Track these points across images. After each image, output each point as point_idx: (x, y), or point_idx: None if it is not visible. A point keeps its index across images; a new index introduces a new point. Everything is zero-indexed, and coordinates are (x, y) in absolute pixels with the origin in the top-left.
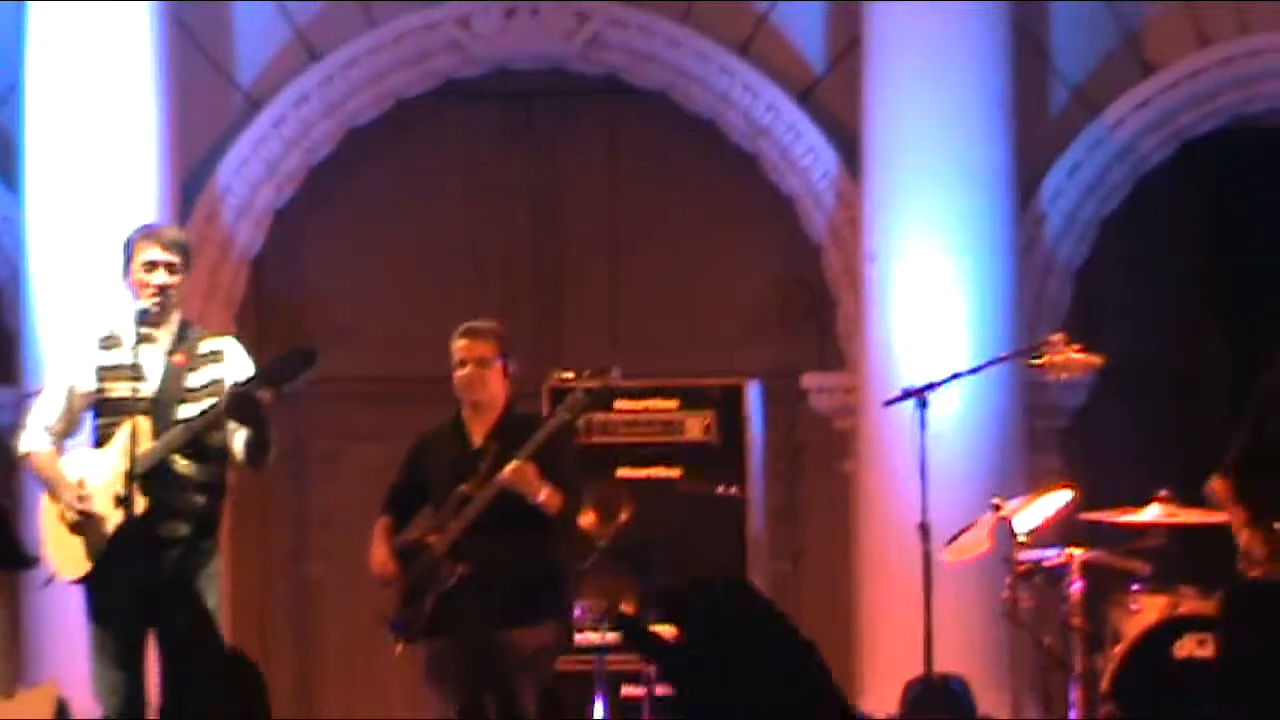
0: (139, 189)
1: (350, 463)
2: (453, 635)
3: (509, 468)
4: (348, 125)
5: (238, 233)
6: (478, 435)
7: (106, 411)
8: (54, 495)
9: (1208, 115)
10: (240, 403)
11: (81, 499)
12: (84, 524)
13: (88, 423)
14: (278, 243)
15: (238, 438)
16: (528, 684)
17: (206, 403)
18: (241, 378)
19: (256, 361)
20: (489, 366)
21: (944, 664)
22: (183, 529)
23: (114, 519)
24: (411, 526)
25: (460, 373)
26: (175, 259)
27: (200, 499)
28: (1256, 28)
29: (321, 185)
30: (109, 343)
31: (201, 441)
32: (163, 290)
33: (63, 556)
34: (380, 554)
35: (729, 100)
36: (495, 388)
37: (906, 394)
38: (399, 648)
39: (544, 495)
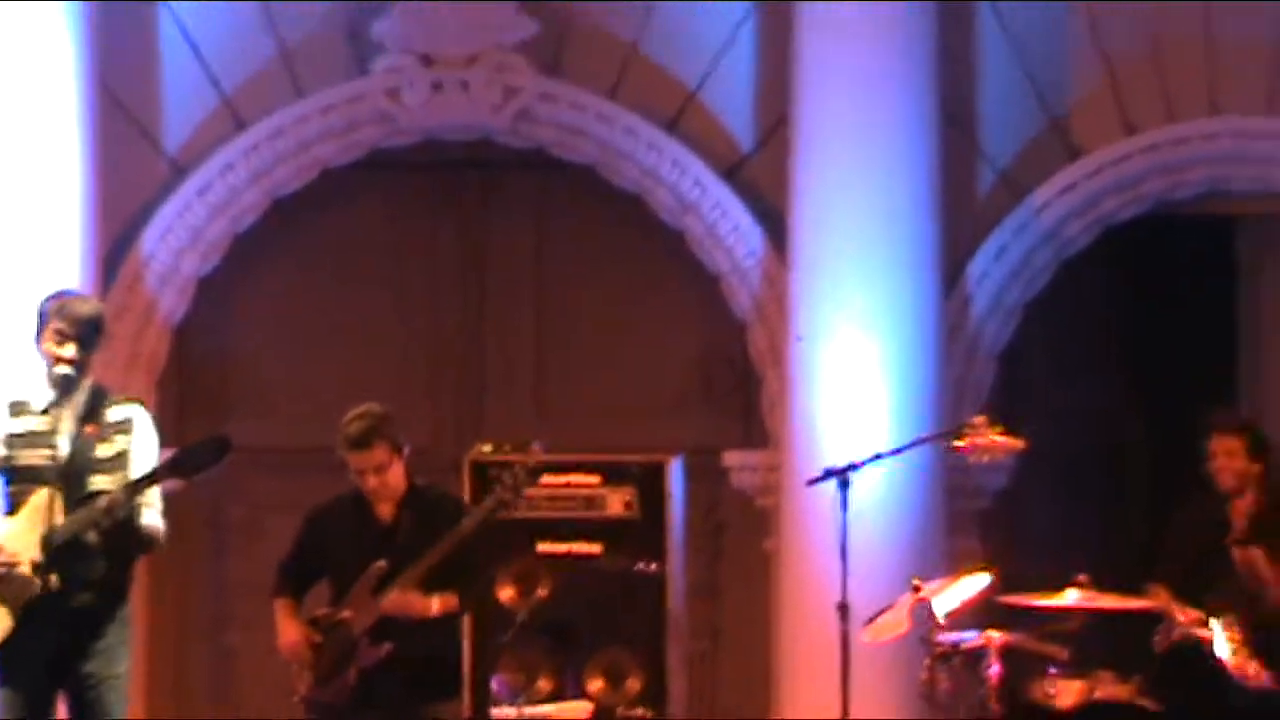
0: (62, 254)
1: (270, 532)
2: (376, 712)
3: (391, 597)
4: (274, 194)
5: (161, 299)
6: (385, 512)
7: (17, 479)
8: None
9: (1132, 201)
10: (114, 516)
11: (6, 561)
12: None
13: None
14: (201, 311)
15: (143, 513)
16: None
17: (114, 475)
18: (143, 450)
19: (170, 440)
20: (388, 469)
21: None
22: (89, 598)
23: (27, 590)
24: (317, 603)
25: (363, 484)
26: (86, 334)
27: (106, 568)
28: (1183, 115)
29: (247, 254)
30: (18, 409)
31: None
32: (71, 362)
33: None
34: (291, 634)
35: (656, 176)
36: (396, 483)
37: (828, 474)
38: None
39: (436, 609)
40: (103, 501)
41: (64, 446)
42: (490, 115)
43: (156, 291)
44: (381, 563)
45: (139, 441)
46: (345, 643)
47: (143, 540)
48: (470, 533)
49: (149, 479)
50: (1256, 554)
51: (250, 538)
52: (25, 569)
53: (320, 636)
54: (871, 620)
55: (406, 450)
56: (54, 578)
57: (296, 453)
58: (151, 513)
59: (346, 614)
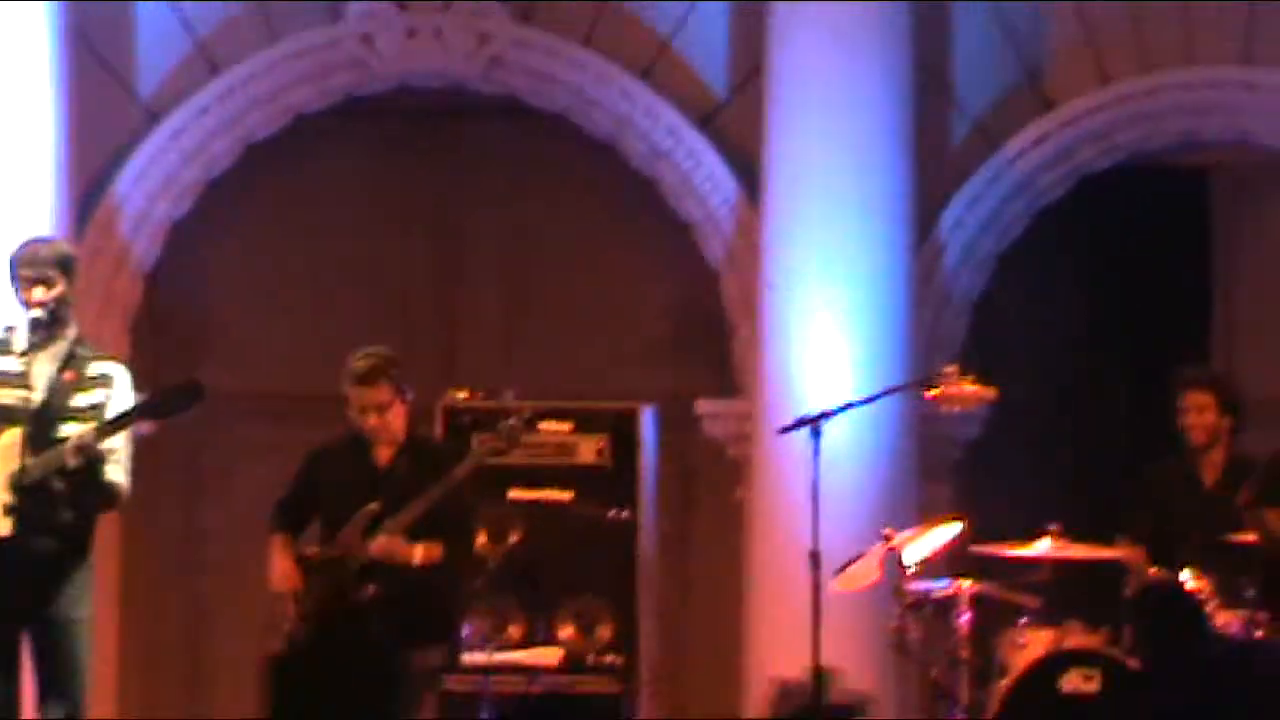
0: (35, 198)
1: (242, 478)
2: (360, 652)
3: (378, 540)
4: (247, 140)
5: (134, 244)
6: (382, 456)
7: None
8: None
9: (1106, 151)
10: (83, 455)
11: None
12: None
13: None
14: (174, 256)
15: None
16: (422, 703)
17: (89, 424)
18: (120, 406)
19: (143, 385)
20: (389, 409)
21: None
22: (52, 544)
23: None
24: (308, 542)
25: (363, 421)
26: (50, 273)
27: (71, 516)
28: (1157, 66)
29: (220, 199)
30: None
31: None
32: (43, 304)
33: None
34: (284, 567)
35: (629, 124)
36: (398, 426)
37: (800, 422)
38: None
39: (419, 558)
40: (73, 441)
41: (40, 390)
42: (464, 62)
43: (130, 236)
44: (374, 505)
45: (117, 398)
46: (333, 582)
47: (106, 494)
48: (462, 479)
49: (121, 420)
50: (1270, 516)
51: (223, 483)
52: None
53: (309, 575)
54: (843, 569)
55: (410, 397)
56: (14, 522)
57: (270, 398)
58: (117, 469)
59: (335, 553)
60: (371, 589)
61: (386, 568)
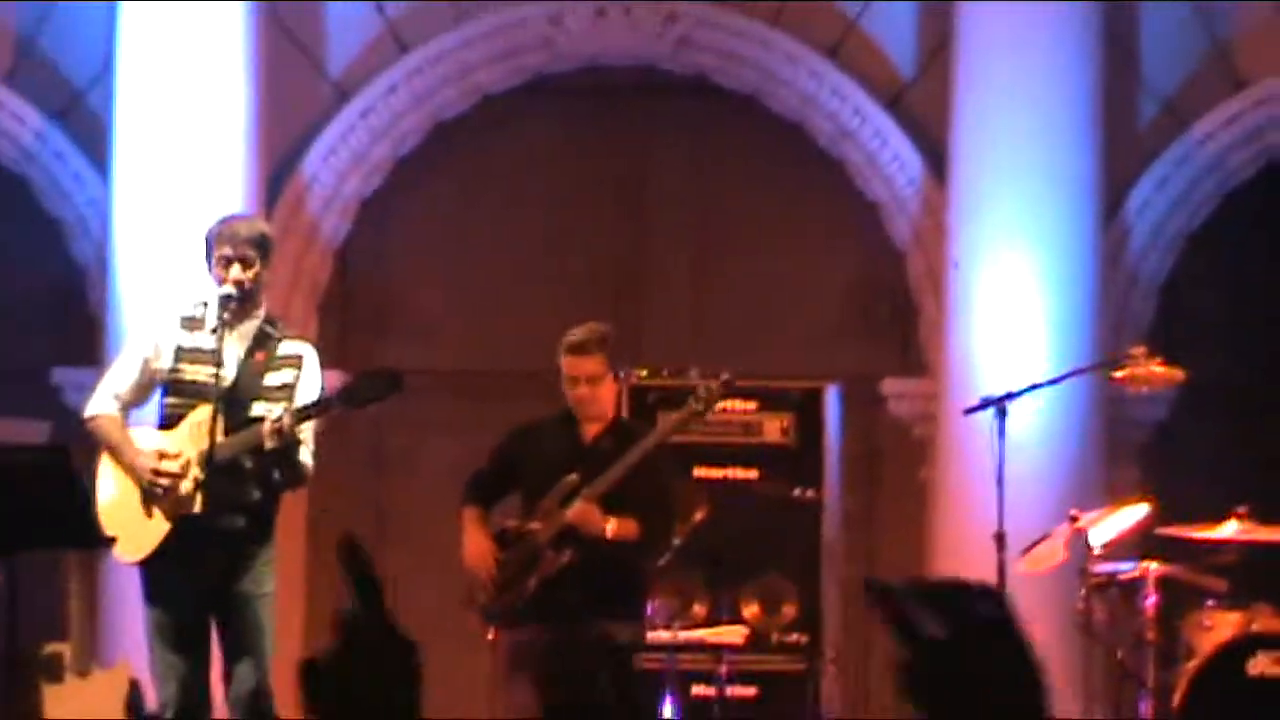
0: (226, 176)
1: (429, 456)
2: (552, 621)
3: (576, 507)
4: (435, 118)
5: (323, 222)
6: (589, 433)
7: (179, 393)
8: (119, 460)
9: None
10: (280, 438)
11: (161, 472)
12: (154, 499)
13: (154, 400)
14: (363, 233)
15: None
16: (615, 678)
17: (278, 405)
18: (309, 389)
19: (332, 362)
20: (600, 383)
21: None
22: (240, 522)
23: (184, 505)
24: (504, 518)
25: (573, 392)
26: (250, 253)
27: (258, 495)
28: None
29: (408, 177)
30: (191, 324)
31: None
32: (240, 284)
33: (120, 534)
34: (479, 541)
35: (816, 104)
36: (606, 402)
37: (986, 403)
38: (491, 634)
39: (611, 532)
40: (270, 424)
41: (231, 367)
42: (652, 42)
43: (319, 214)
44: (573, 476)
45: (306, 378)
46: (529, 552)
47: (296, 475)
48: (659, 443)
49: (317, 407)
50: None
51: (409, 460)
52: (189, 485)
53: (505, 548)
54: (1028, 550)
55: (622, 378)
56: (205, 499)
57: (456, 375)
58: (305, 450)
59: (534, 525)
60: (567, 555)
61: (582, 537)
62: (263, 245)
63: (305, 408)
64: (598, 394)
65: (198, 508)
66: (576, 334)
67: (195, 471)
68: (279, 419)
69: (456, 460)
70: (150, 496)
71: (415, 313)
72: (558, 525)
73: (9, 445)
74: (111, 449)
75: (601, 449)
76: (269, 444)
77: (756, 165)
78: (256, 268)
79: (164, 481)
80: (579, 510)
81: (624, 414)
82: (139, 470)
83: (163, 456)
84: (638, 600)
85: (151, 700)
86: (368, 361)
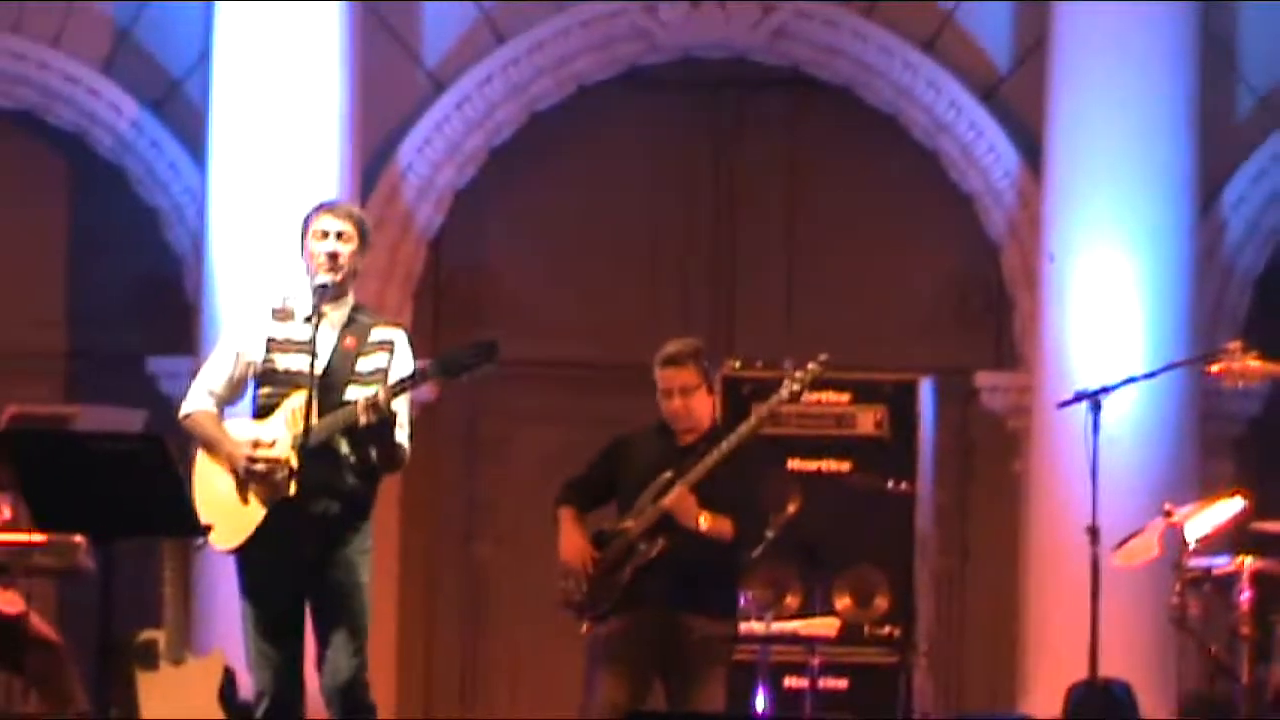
0: (321, 165)
1: (521, 446)
2: (643, 611)
3: (672, 494)
4: (530, 109)
5: (418, 212)
6: (686, 439)
7: (272, 383)
8: (215, 454)
9: None
10: (376, 413)
11: (255, 459)
12: (246, 490)
13: (249, 393)
14: (457, 223)
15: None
16: (714, 672)
17: (372, 388)
18: (401, 373)
19: (425, 353)
20: (694, 394)
21: (1108, 668)
22: (336, 508)
23: (280, 490)
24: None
25: (667, 405)
26: (346, 227)
27: (354, 480)
28: None
29: (503, 167)
30: (281, 314)
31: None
32: (333, 259)
33: (216, 524)
34: (576, 540)
35: (911, 96)
36: (702, 414)
37: (1080, 396)
38: (585, 627)
39: (704, 525)
40: (364, 399)
41: (324, 354)
42: (747, 33)
43: (413, 204)
44: (669, 473)
45: (398, 362)
46: (623, 547)
47: (394, 456)
48: (756, 429)
49: (413, 379)
50: None
51: (502, 451)
52: (283, 473)
53: (601, 548)
54: (1122, 544)
55: (716, 386)
56: (299, 483)
57: (550, 365)
58: (401, 432)
59: (628, 523)
60: (660, 544)
61: (676, 528)
62: (364, 227)
63: (400, 380)
64: (692, 406)
65: (291, 492)
66: (670, 347)
67: (290, 456)
68: (374, 394)
69: (548, 452)
70: (249, 481)
71: (509, 303)
72: (652, 517)
73: (105, 433)
74: (207, 444)
75: (697, 450)
76: (363, 419)
77: (850, 158)
78: (354, 245)
79: (260, 467)
80: (675, 496)
81: (719, 423)
82: (235, 460)
83: (258, 445)
84: (729, 593)
85: (246, 689)
86: None
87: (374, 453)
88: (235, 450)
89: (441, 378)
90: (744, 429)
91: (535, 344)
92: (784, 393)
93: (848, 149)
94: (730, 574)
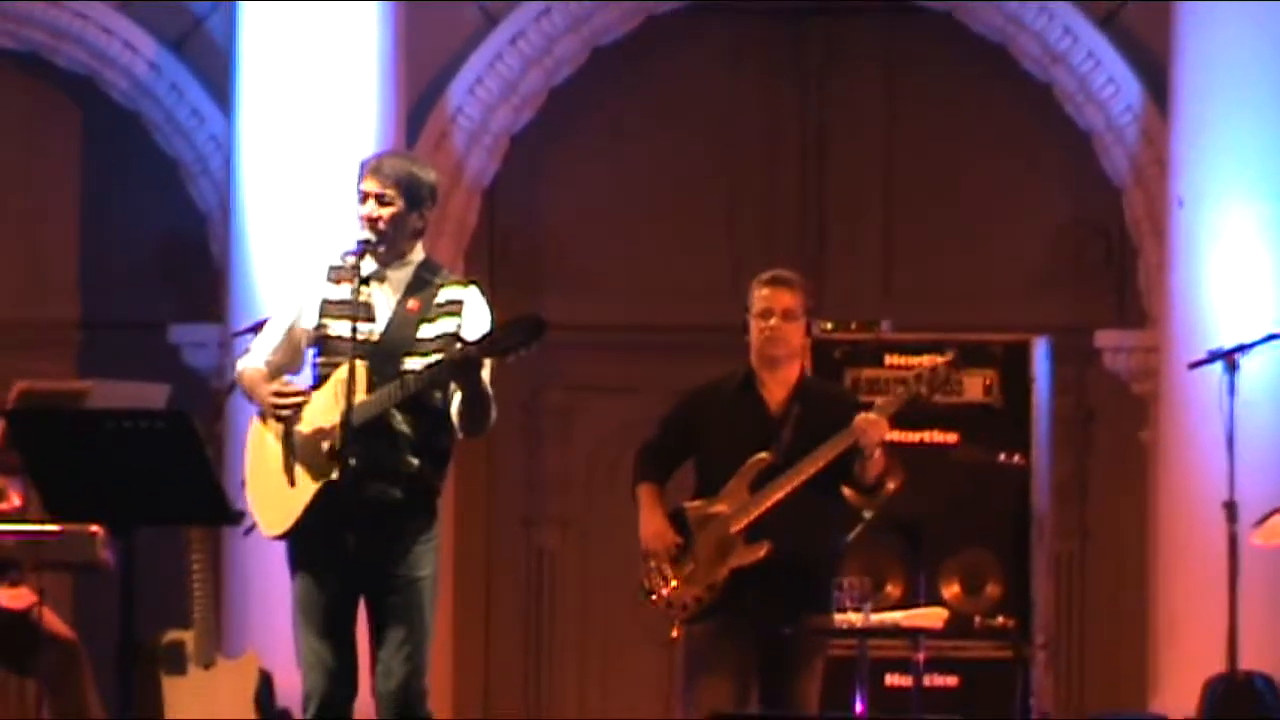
0: (362, 110)
1: (587, 419)
2: (743, 618)
3: (867, 415)
4: (593, 43)
5: (469, 160)
6: (774, 398)
7: (326, 350)
8: (253, 397)
9: None
10: (462, 366)
11: (283, 396)
12: (293, 467)
13: (308, 361)
14: (513, 172)
15: (456, 400)
16: (810, 669)
17: (435, 358)
18: (473, 335)
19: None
20: (794, 320)
21: (1250, 661)
22: (395, 493)
23: (325, 472)
24: (679, 500)
25: (763, 324)
26: (388, 191)
27: (417, 461)
28: None
29: (563, 109)
30: (338, 276)
31: (422, 399)
32: (373, 224)
33: (264, 507)
34: (656, 526)
35: (1021, 23)
36: (797, 344)
37: (1214, 356)
38: (676, 631)
39: (877, 454)
40: (402, 380)
41: (381, 319)
42: None
43: (464, 150)
44: (763, 455)
45: (470, 324)
46: (718, 540)
47: (482, 417)
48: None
49: (461, 358)
50: None
51: (565, 427)
52: (315, 456)
53: (688, 533)
54: (1263, 521)
55: (815, 328)
56: (351, 462)
57: (618, 330)
58: (459, 398)
59: (720, 508)
60: (764, 549)
61: (777, 526)
62: (411, 187)
63: (436, 364)
64: (789, 332)
65: (335, 475)
66: (776, 270)
67: (331, 439)
68: (410, 375)
69: (617, 427)
70: (278, 421)
71: (571, 261)
72: (751, 513)
73: (124, 411)
74: (249, 394)
75: (790, 417)
76: (402, 395)
77: (953, 93)
78: (395, 208)
79: (286, 402)
80: (870, 420)
81: (809, 372)
82: (264, 402)
83: (285, 386)
84: (827, 592)
85: (284, 695)
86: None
87: (460, 408)
88: (266, 394)
89: (487, 357)
90: (851, 432)
91: (602, 306)
92: (900, 395)
93: (950, 83)
94: (830, 572)
